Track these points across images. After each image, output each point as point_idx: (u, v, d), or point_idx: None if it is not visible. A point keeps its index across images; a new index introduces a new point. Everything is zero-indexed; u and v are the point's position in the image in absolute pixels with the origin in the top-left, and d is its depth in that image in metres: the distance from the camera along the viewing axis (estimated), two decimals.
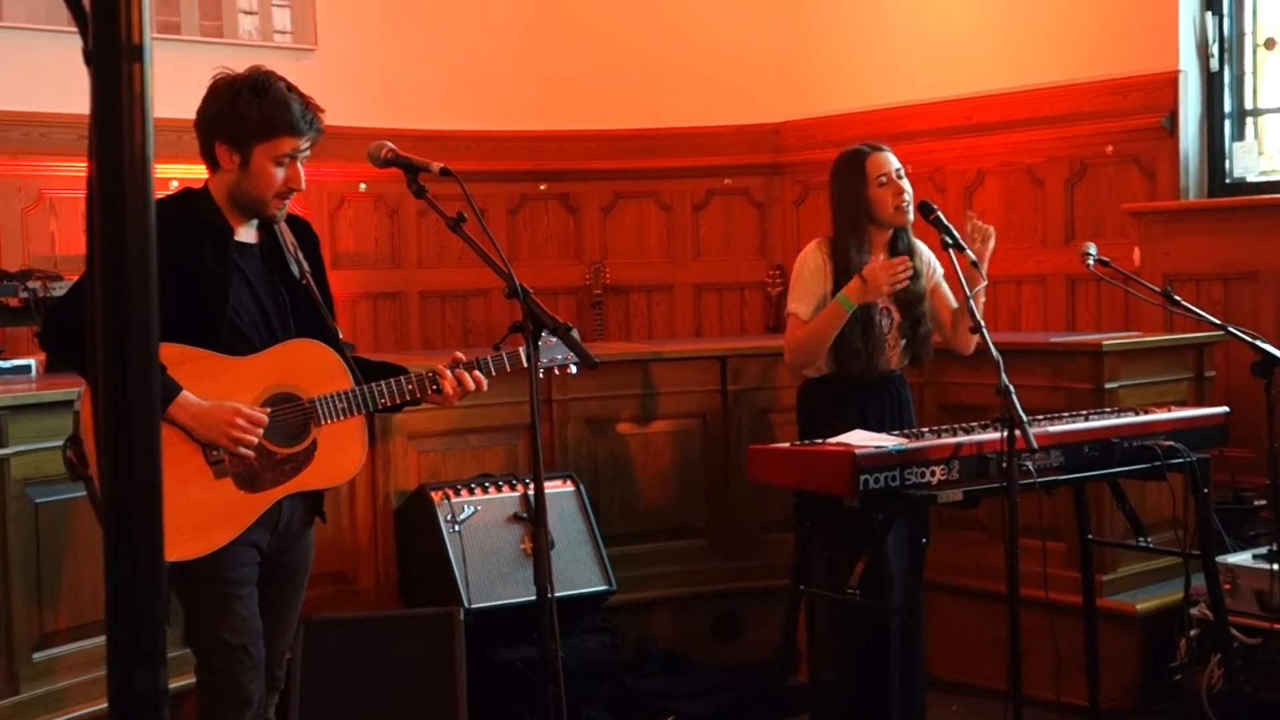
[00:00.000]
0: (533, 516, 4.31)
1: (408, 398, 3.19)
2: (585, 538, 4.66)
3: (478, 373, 3.19)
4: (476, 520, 4.47)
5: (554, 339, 3.22)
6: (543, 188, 7.12)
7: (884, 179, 4.15)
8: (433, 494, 4.50)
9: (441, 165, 2.88)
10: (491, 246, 2.78)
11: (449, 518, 4.42)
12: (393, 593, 4.71)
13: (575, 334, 2.81)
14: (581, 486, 4.77)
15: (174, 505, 2.87)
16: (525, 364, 3.19)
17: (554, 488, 4.67)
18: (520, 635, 4.35)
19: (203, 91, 3.08)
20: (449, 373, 3.18)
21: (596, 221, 7.20)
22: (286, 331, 3.13)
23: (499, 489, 4.58)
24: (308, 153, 3.09)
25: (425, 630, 4.00)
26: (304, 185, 3.09)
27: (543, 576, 2.75)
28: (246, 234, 3.14)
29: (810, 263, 4.20)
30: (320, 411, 3.09)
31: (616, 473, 5.23)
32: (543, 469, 2.82)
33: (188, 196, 3.13)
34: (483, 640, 4.26)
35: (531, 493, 4.47)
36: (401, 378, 3.18)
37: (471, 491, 4.54)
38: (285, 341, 3.11)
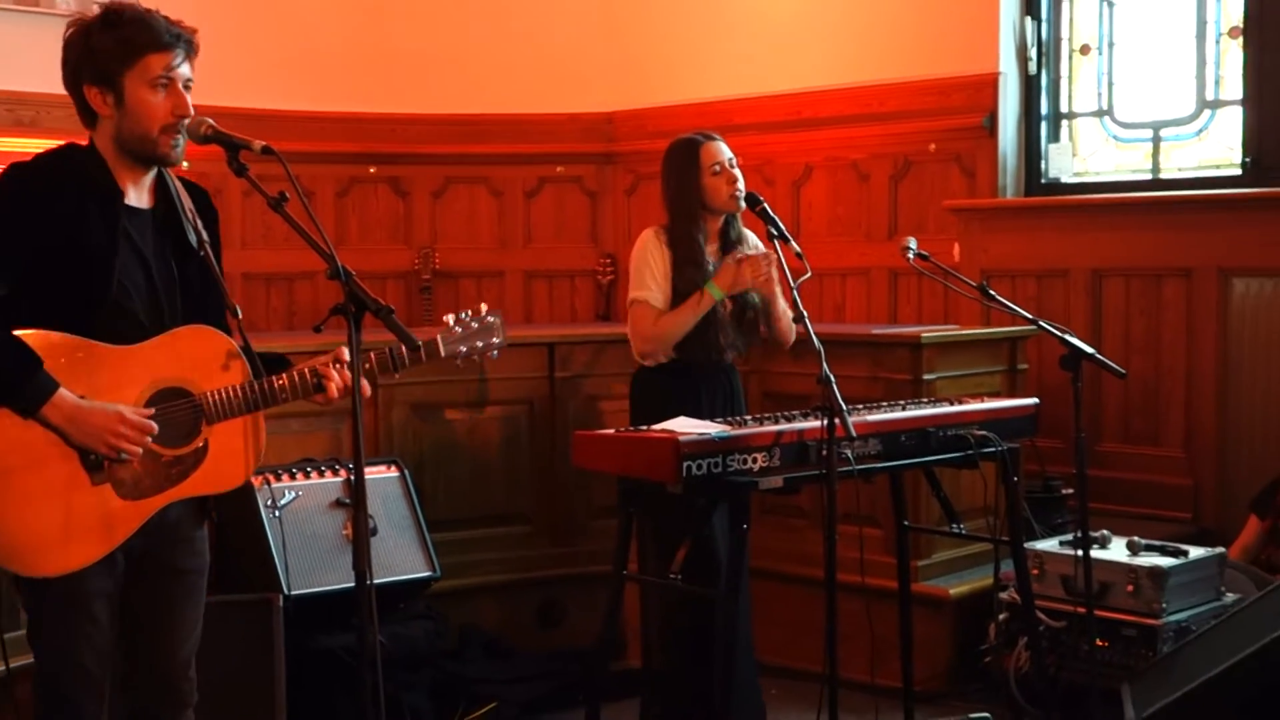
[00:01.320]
0: (354, 501, 4.26)
1: (303, 395, 2.93)
2: (409, 523, 4.61)
3: (364, 381, 2.85)
4: (297, 506, 4.40)
5: (472, 326, 3.13)
6: (372, 171, 7.03)
7: (717, 168, 4.20)
8: (253, 478, 4.41)
9: (263, 144, 2.80)
10: (314, 227, 2.73)
11: (269, 503, 4.34)
12: (209, 579, 4.60)
13: (395, 317, 2.77)
14: (406, 472, 4.72)
15: (42, 515, 2.72)
16: (439, 353, 3.08)
17: (377, 473, 4.61)
18: (342, 623, 4.29)
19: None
20: (330, 370, 2.93)
21: (427, 206, 7.13)
22: (174, 312, 2.85)
23: (321, 474, 4.50)
24: (187, 71, 2.84)
25: (243, 617, 3.92)
26: (191, 111, 2.83)
27: (361, 560, 2.70)
28: (137, 196, 2.87)
29: (653, 252, 4.22)
30: (213, 409, 2.84)
31: (442, 458, 5.20)
32: (365, 454, 2.78)
33: (68, 154, 2.85)
34: (303, 628, 4.20)
35: (353, 478, 4.42)
36: (305, 371, 2.92)
37: (293, 476, 4.46)
38: (175, 329, 2.83)
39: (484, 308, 3.20)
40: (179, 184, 2.97)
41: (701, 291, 4.15)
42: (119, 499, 2.79)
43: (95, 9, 2.88)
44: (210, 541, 3.05)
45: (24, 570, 2.78)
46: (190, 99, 2.87)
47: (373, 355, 3.01)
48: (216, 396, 2.85)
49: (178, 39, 2.84)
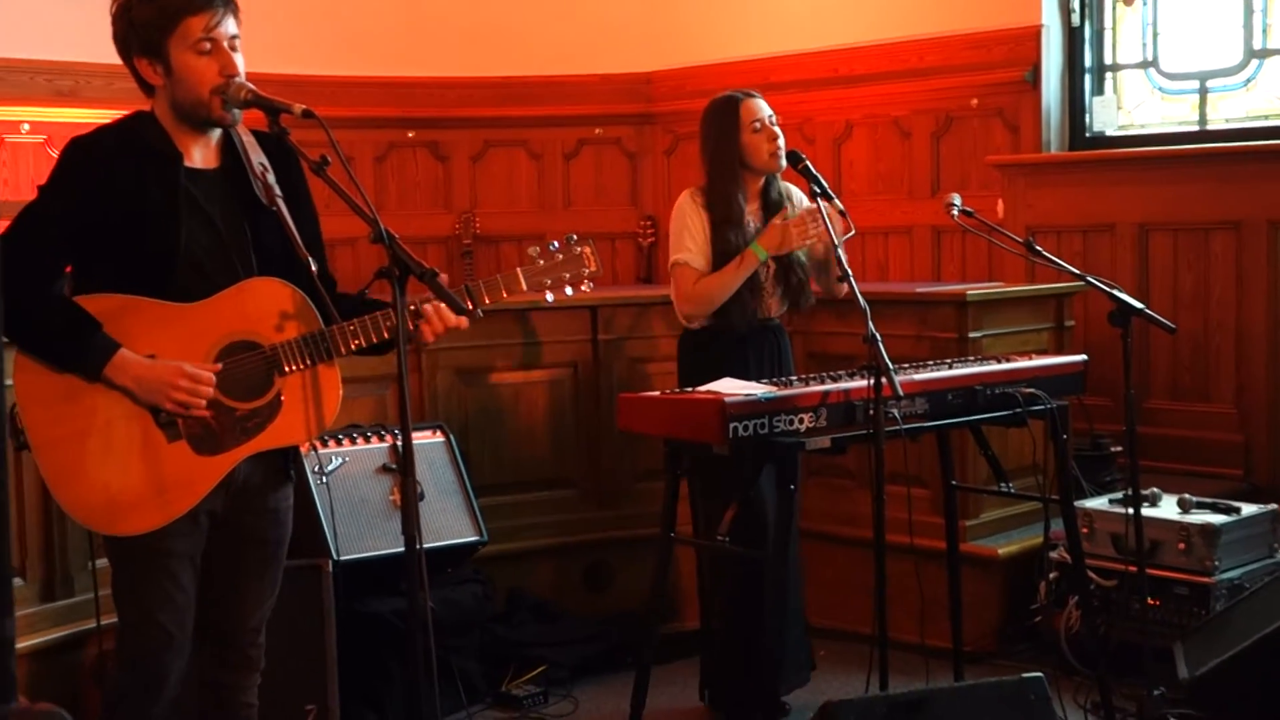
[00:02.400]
0: (401, 467, 4.26)
1: (385, 336, 2.87)
2: (455, 488, 4.62)
3: (450, 306, 2.83)
4: (344, 471, 4.40)
5: (558, 257, 3.01)
6: (411, 135, 7.02)
7: (758, 124, 4.16)
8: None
9: (304, 107, 2.78)
10: (356, 190, 2.72)
11: (316, 469, 4.35)
12: None
13: (442, 280, 2.75)
14: (451, 437, 4.72)
15: (121, 475, 2.76)
16: (521, 287, 2.98)
17: (423, 438, 4.61)
18: (390, 587, 4.30)
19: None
20: (429, 309, 2.88)
21: (466, 170, 7.11)
22: (247, 268, 2.83)
23: (367, 440, 4.51)
24: (230, 28, 2.81)
25: (293, 582, 3.91)
26: (240, 70, 2.81)
27: (410, 526, 2.70)
28: (202, 158, 2.87)
29: (691, 215, 4.19)
30: (283, 359, 2.83)
31: (487, 423, 5.19)
32: (411, 419, 2.77)
33: (132, 124, 2.85)
34: (352, 592, 4.21)
35: (400, 443, 4.42)
36: (377, 314, 2.87)
37: (339, 443, 4.46)
38: (241, 283, 2.82)
39: (574, 237, 3.13)
40: (249, 139, 2.95)
41: (745, 252, 4.11)
42: (196, 455, 2.80)
43: None
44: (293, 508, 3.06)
45: (108, 529, 2.82)
46: (240, 57, 2.85)
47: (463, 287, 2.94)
48: (286, 347, 2.84)
49: None
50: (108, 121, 2.91)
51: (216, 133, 2.90)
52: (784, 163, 4.13)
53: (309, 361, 2.86)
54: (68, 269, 2.84)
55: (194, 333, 2.80)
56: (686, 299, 4.19)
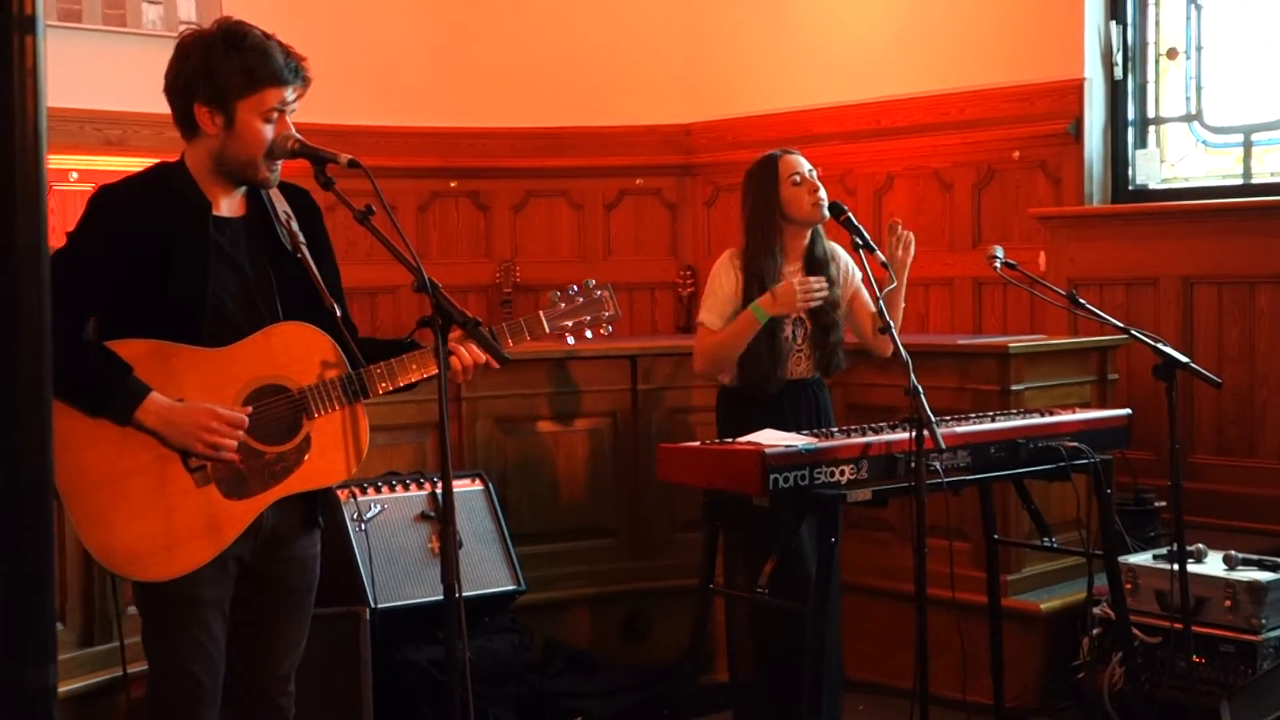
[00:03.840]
0: (440, 515, 4.26)
1: (412, 379, 2.90)
2: (494, 537, 4.61)
3: (489, 354, 2.86)
4: (383, 519, 4.41)
5: (578, 300, 3.06)
6: (453, 185, 7.06)
7: (797, 178, 4.16)
8: (338, 492, 4.43)
9: (349, 157, 2.80)
10: (400, 239, 2.73)
11: (355, 516, 4.36)
12: None
13: (483, 328, 2.76)
14: (490, 485, 4.73)
15: (149, 520, 2.75)
16: (544, 330, 3.02)
17: (462, 486, 4.62)
18: (427, 636, 4.30)
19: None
20: (459, 347, 2.88)
21: (507, 219, 7.15)
22: (272, 315, 2.84)
23: (406, 487, 4.51)
24: (295, 106, 2.86)
25: (330, 630, 3.93)
26: (293, 135, 2.85)
27: (450, 574, 2.69)
28: (229, 207, 2.88)
29: (723, 276, 4.19)
30: (311, 403, 2.83)
31: (526, 472, 5.19)
32: (451, 467, 2.77)
33: (158, 173, 2.86)
34: (389, 640, 4.20)
35: (439, 491, 4.43)
36: (403, 357, 2.89)
37: (378, 490, 4.47)
38: (268, 327, 2.83)
39: (592, 281, 3.16)
40: (275, 189, 2.97)
41: (744, 312, 4.09)
42: (224, 499, 2.79)
43: (211, 25, 2.87)
44: (320, 555, 3.06)
45: (137, 575, 2.81)
46: (292, 126, 2.88)
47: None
48: (314, 391, 2.85)
49: (296, 74, 2.84)
50: (135, 171, 2.92)
51: (243, 188, 2.92)
52: (826, 213, 4.13)
53: (337, 405, 2.87)
54: (94, 316, 2.84)
55: (222, 376, 2.80)
56: (698, 355, 4.22)
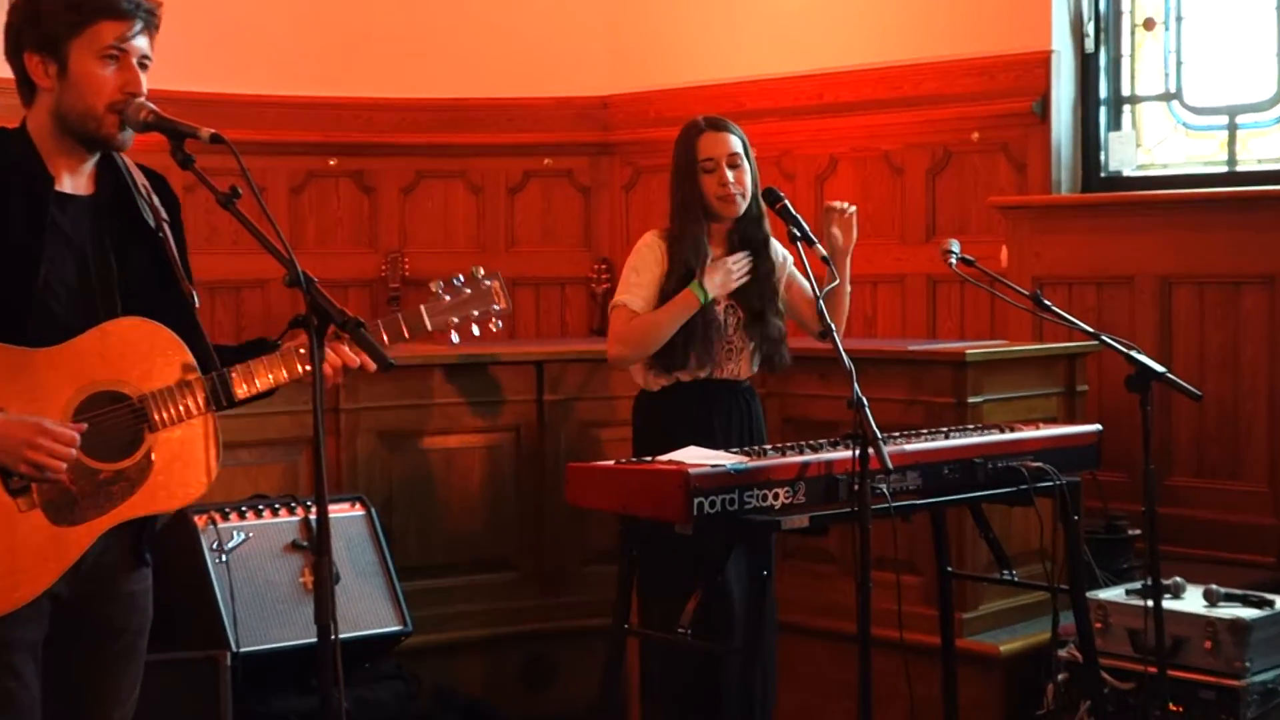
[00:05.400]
0: (314, 545, 4.24)
1: (271, 384, 2.86)
2: (376, 570, 4.59)
3: (365, 354, 2.79)
4: (247, 549, 4.38)
5: (464, 291, 3.02)
6: (333, 163, 7.03)
7: (710, 164, 4.17)
8: (196, 518, 4.39)
9: (212, 131, 2.77)
10: (270, 226, 2.71)
11: (215, 546, 4.32)
12: None
13: (366, 331, 2.74)
14: (372, 510, 4.70)
15: None
16: (425, 327, 2.98)
17: (340, 511, 4.59)
18: (298, 684, 4.27)
19: None
20: (328, 345, 2.83)
21: (395, 204, 7.13)
22: (110, 309, 2.79)
23: (274, 513, 4.48)
24: (144, 45, 2.80)
25: (185, 678, 3.90)
26: (144, 90, 2.80)
27: (324, 613, 2.67)
28: (76, 183, 2.83)
29: (647, 253, 4.21)
30: (153, 412, 2.77)
31: (414, 495, 5.17)
32: (326, 489, 2.75)
33: None
34: (253, 689, 4.17)
35: (313, 517, 4.39)
36: (263, 358, 2.84)
37: (242, 515, 4.44)
38: (106, 324, 2.76)
39: (480, 270, 3.14)
40: (133, 165, 2.93)
41: (684, 291, 4.13)
42: (53, 526, 2.72)
43: None
44: (152, 593, 3.01)
45: None
46: (145, 80, 2.83)
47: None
48: (158, 397, 2.80)
49: (137, 8, 2.80)
50: None
51: (93, 158, 2.88)
52: (740, 208, 4.16)
53: (185, 414, 2.82)
54: None
55: (51, 382, 2.73)
56: (616, 339, 4.22)
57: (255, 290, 6.73)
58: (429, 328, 3.04)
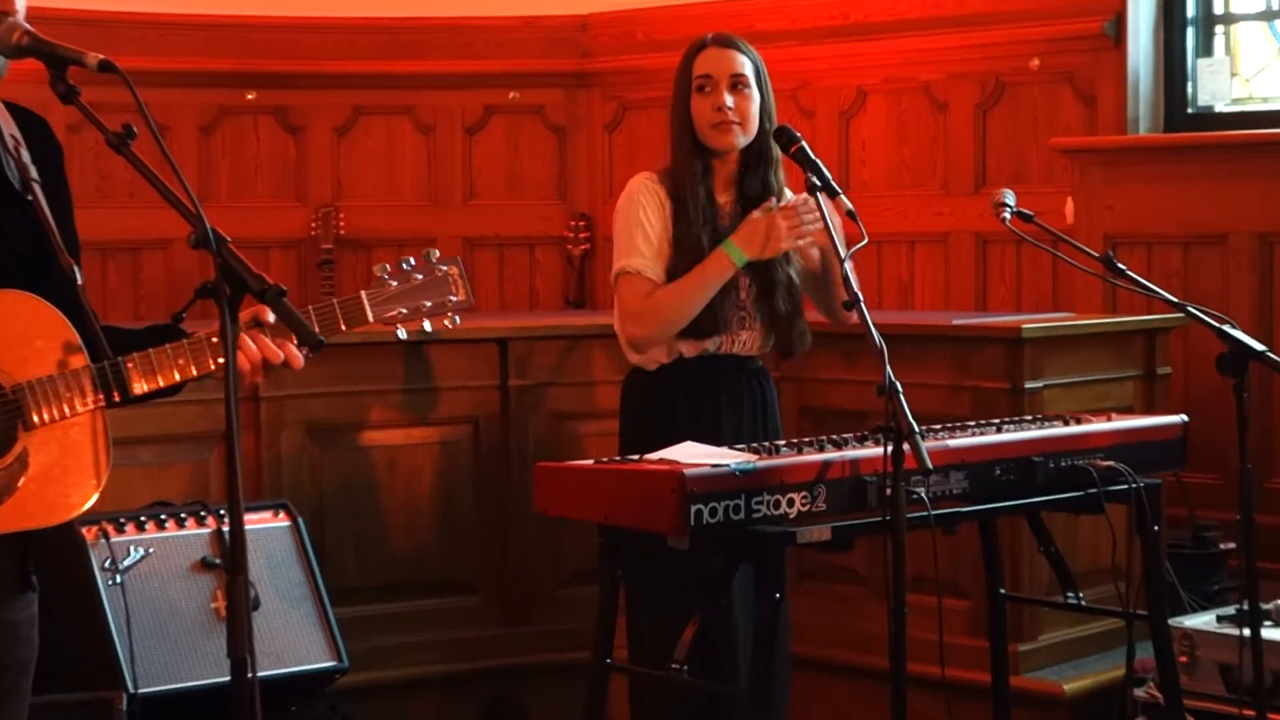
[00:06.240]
0: (227, 562, 4.24)
1: (176, 380, 2.85)
2: (304, 593, 4.61)
3: (290, 346, 2.85)
4: (147, 568, 4.39)
5: (415, 278, 3.04)
6: (250, 97, 7.02)
7: (706, 82, 4.16)
8: (84, 530, 4.39)
9: (101, 57, 2.77)
10: (173, 174, 2.71)
11: (107, 564, 4.33)
12: None
13: (288, 301, 2.74)
14: (299, 521, 4.72)
15: None
16: (366, 318, 3.00)
17: (259, 522, 4.62)
18: None
19: None
20: (247, 337, 2.84)
21: (328, 146, 7.12)
22: None
23: (180, 524, 4.50)
24: None
25: None
26: (18, 7, 2.79)
27: (240, 647, 2.68)
28: None
29: (645, 202, 4.18)
30: (29, 405, 2.76)
31: (350, 502, 5.18)
32: (243, 495, 2.75)
33: None
34: None
35: (226, 529, 4.40)
36: (168, 346, 2.82)
37: (141, 527, 4.45)
38: None
39: (434, 254, 3.14)
40: (1, 109, 2.94)
41: (715, 253, 4.11)
42: None
43: None
44: (37, 621, 3.02)
45: None
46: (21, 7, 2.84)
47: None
48: (36, 388, 2.79)
49: None
50: None
51: None
52: (738, 141, 4.13)
53: (69, 408, 2.81)
54: None
55: None
56: (634, 317, 4.18)
57: (156, 252, 6.72)
58: (370, 318, 3.04)
